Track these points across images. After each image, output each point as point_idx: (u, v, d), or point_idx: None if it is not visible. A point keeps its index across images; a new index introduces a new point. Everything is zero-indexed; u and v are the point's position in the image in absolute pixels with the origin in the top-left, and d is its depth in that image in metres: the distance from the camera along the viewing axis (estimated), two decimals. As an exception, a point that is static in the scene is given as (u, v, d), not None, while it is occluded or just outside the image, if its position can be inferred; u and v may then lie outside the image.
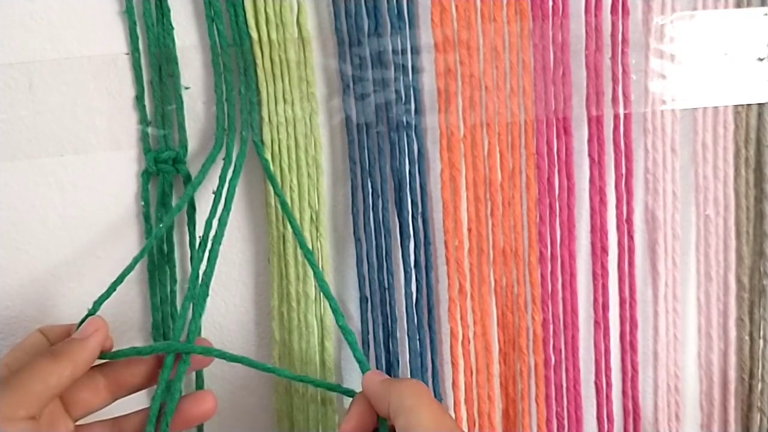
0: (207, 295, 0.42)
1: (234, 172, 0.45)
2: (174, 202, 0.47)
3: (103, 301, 0.41)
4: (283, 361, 0.48)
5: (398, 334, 0.48)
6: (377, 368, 0.47)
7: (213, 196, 0.44)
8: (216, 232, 0.43)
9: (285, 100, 0.45)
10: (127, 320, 0.48)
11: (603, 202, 0.48)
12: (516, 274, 0.48)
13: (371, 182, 0.47)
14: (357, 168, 0.47)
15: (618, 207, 0.48)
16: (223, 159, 0.45)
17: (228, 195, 0.44)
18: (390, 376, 0.47)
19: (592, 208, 0.48)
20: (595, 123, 0.47)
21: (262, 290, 0.49)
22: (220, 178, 0.45)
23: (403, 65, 0.46)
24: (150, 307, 0.47)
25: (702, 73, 0.48)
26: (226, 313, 0.49)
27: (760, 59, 0.48)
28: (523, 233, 0.48)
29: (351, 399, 0.40)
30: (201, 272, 0.43)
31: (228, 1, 0.44)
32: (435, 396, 0.48)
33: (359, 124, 0.46)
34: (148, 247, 0.43)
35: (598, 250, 0.48)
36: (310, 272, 0.47)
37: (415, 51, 0.46)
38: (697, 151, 0.49)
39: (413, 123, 0.46)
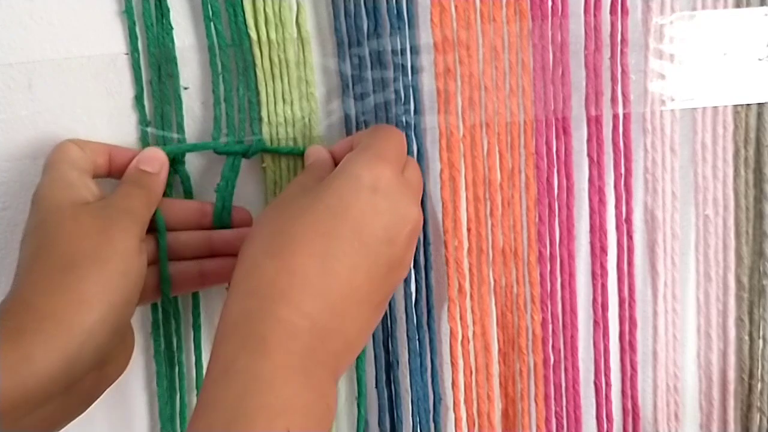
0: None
1: (234, 166, 0.45)
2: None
3: None
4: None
5: (398, 334, 0.48)
6: (376, 368, 0.47)
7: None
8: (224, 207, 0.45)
9: (284, 101, 0.45)
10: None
11: (602, 202, 0.48)
12: (515, 274, 0.48)
13: (371, 182, 0.47)
14: (356, 168, 0.47)
15: (617, 207, 0.48)
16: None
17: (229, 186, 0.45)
18: (390, 377, 0.48)
19: (591, 208, 0.48)
20: (595, 123, 0.47)
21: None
22: (222, 174, 0.45)
23: (402, 65, 0.46)
24: (149, 305, 0.47)
25: (702, 73, 0.48)
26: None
27: (760, 59, 0.48)
28: (522, 233, 0.48)
29: None
30: None
31: (227, 1, 0.44)
32: (434, 396, 0.48)
33: (359, 124, 0.46)
34: None
35: (598, 250, 0.48)
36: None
37: (415, 51, 0.46)
38: (697, 151, 0.49)
39: (413, 123, 0.46)
